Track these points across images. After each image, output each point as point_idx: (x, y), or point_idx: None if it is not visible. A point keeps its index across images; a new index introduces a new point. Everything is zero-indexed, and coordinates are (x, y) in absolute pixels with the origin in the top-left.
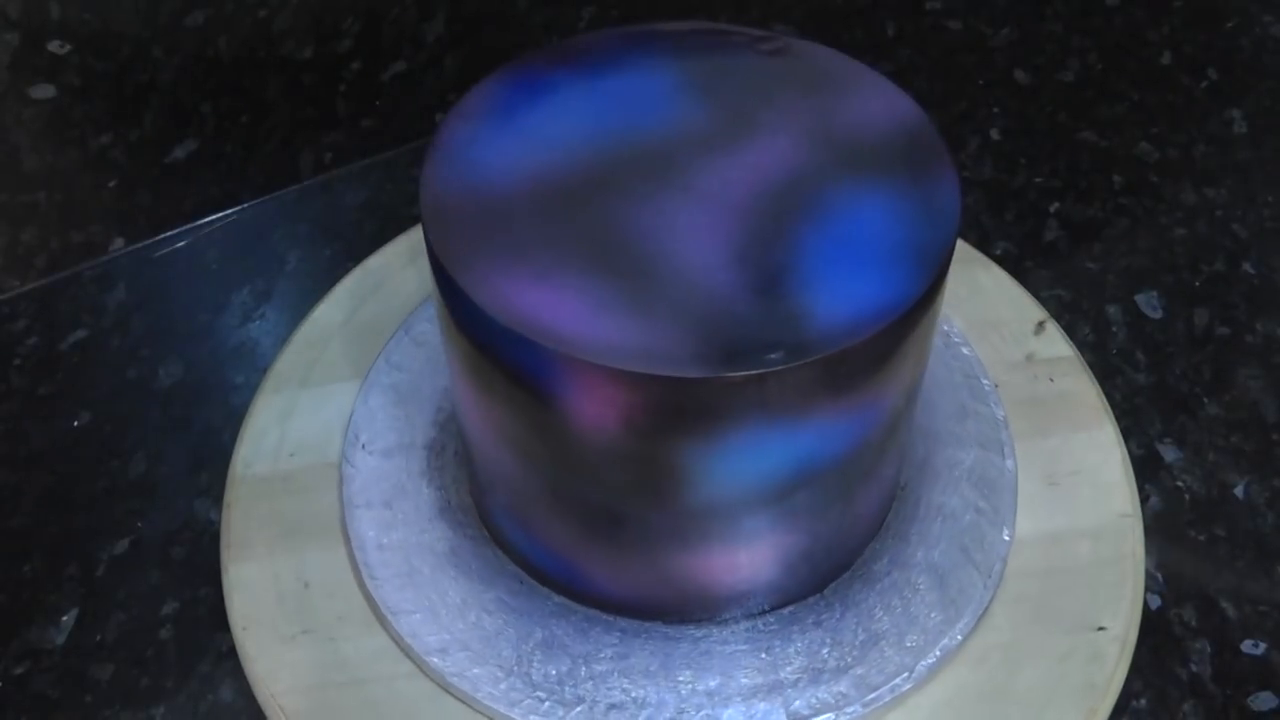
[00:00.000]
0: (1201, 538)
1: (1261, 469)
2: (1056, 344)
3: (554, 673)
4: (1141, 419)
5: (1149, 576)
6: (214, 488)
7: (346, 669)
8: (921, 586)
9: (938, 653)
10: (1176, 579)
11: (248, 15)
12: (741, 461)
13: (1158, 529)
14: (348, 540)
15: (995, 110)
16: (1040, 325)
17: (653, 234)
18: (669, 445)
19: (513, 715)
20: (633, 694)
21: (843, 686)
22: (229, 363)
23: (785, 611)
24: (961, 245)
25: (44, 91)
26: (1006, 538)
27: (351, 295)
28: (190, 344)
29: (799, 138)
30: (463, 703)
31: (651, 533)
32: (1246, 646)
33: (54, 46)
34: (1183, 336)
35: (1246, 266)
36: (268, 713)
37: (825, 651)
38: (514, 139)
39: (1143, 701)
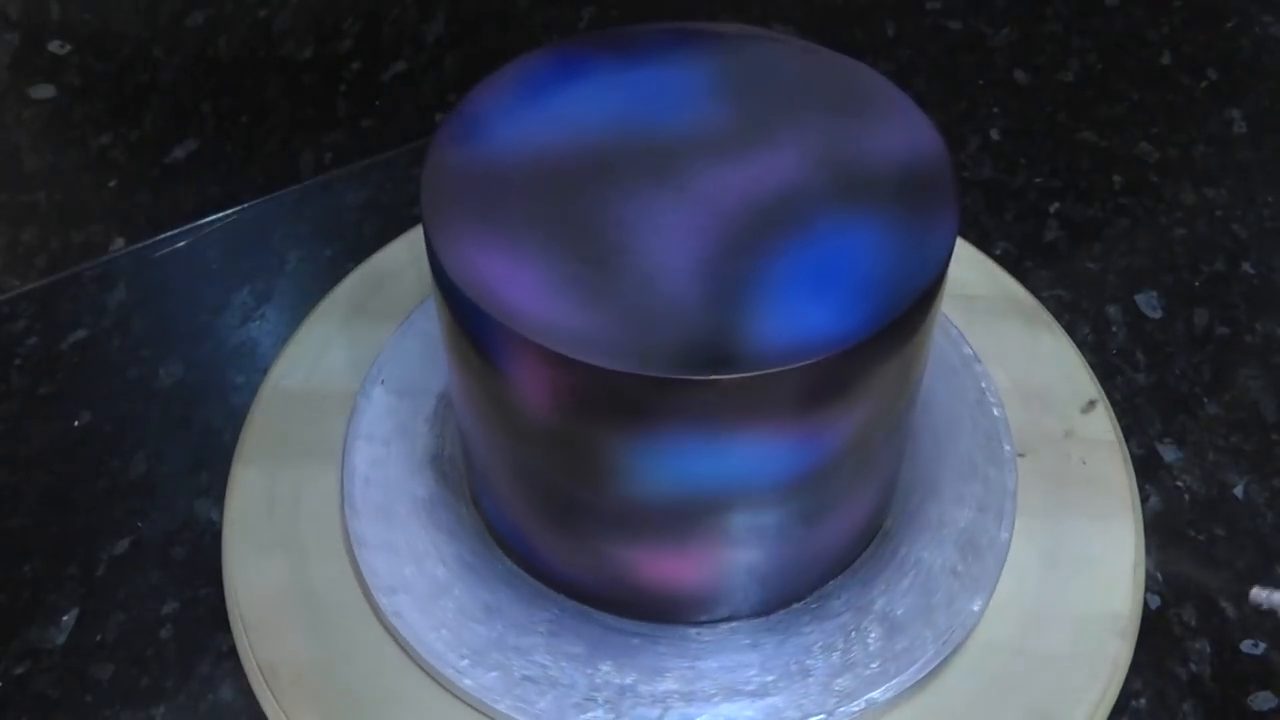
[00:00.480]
0: (1201, 538)
1: (1261, 469)
2: (1102, 427)
3: (484, 635)
4: (1141, 419)
5: (1149, 576)
6: (214, 488)
7: (305, 589)
8: (870, 635)
9: (862, 704)
10: (1176, 579)
11: (248, 15)
12: (663, 463)
13: (1158, 529)
14: (341, 468)
15: (995, 110)
16: (1091, 404)
17: (634, 228)
18: (594, 433)
19: (436, 666)
20: (550, 671)
21: (752, 711)
22: (229, 363)
23: (724, 627)
24: (1031, 302)
25: (44, 91)
26: (976, 608)
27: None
28: (190, 344)
29: (809, 157)
30: (398, 645)
31: (587, 518)
32: (1246, 646)
33: (54, 46)
34: (1183, 336)
35: (1246, 266)
36: (230, 618)
37: (750, 674)
38: (532, 116)
39: (1143, 701)
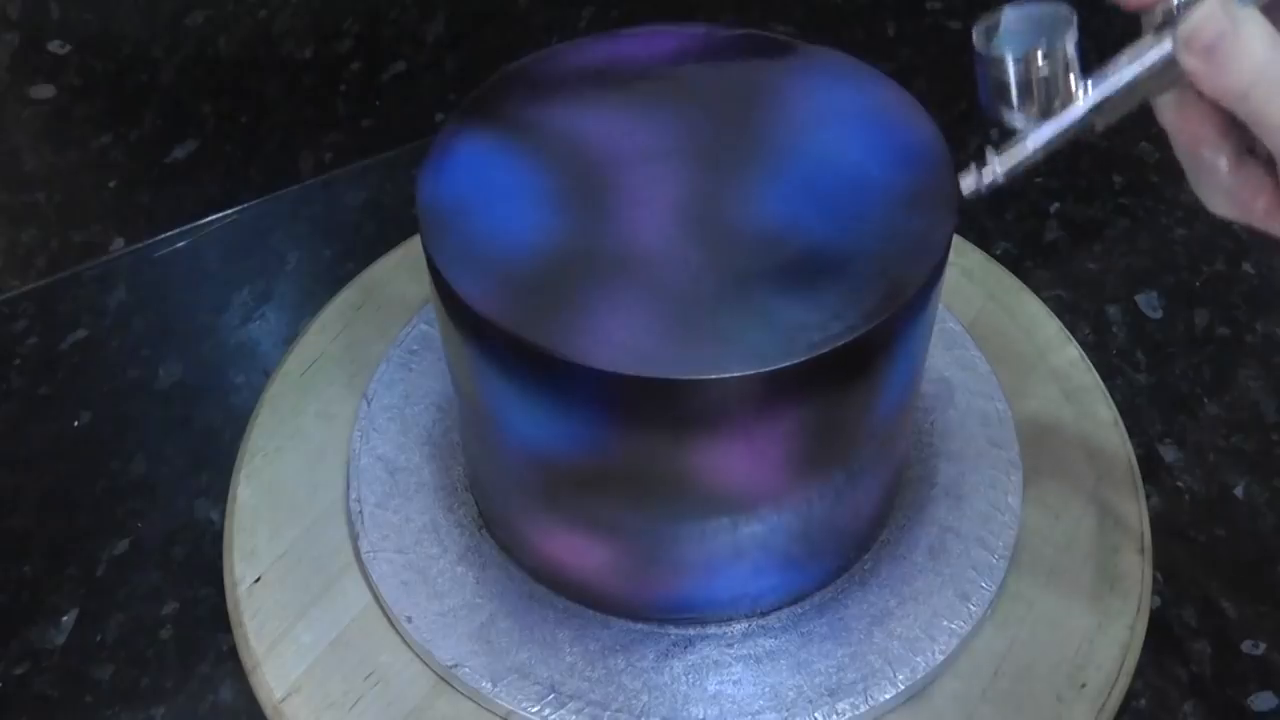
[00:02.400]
0: (1201, 538)
1: (1261, 469)
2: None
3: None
4: (1141, 419)
5: (1149, 577)
6: (214, 488)
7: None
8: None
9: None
10: (1176, 579)
11: (248, 15)
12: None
13: (1158, 529)
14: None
15: None
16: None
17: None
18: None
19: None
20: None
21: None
22: (229, 363)
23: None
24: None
25: (44, 91)
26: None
27: None
28: (190, 344)
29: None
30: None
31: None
32: (1246, 646)
33: (54, 46)
34: (1183, 336)
35: (1246, 266)
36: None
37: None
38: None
39: (1143, 701)
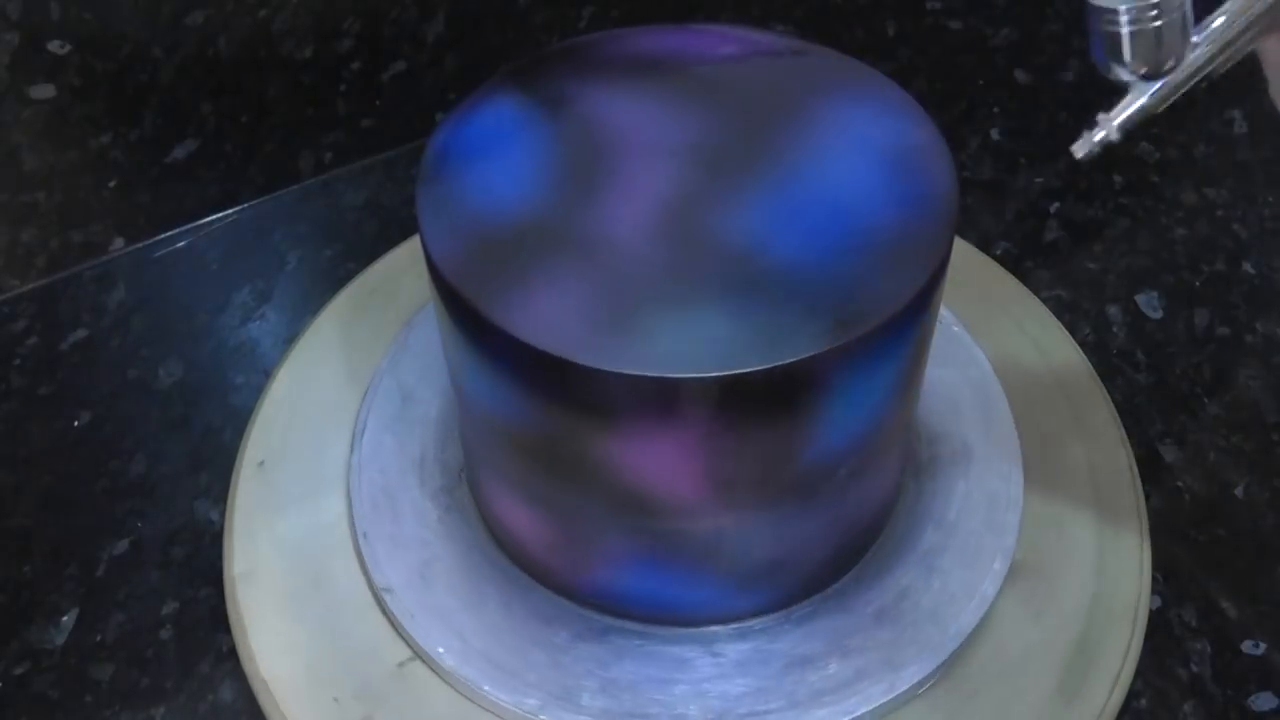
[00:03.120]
0: (1201, 538)
1: (1261, 469)
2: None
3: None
4: (1141, 419)
5: (1149, 577)
6: (214, 488)
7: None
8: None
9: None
10: (1176, 579)
11: (248, 15)
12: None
13: (1158, 529)
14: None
15: (995, 110)
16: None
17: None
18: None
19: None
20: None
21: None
22: (229, 363)
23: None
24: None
25: (44, 91)
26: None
27: None
28: (190, 344)
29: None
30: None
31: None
32: (1246, 646)
33: (54, 46)
34: (1183, 336)
35: (1246, 266)
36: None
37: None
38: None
39: (1143, 701)
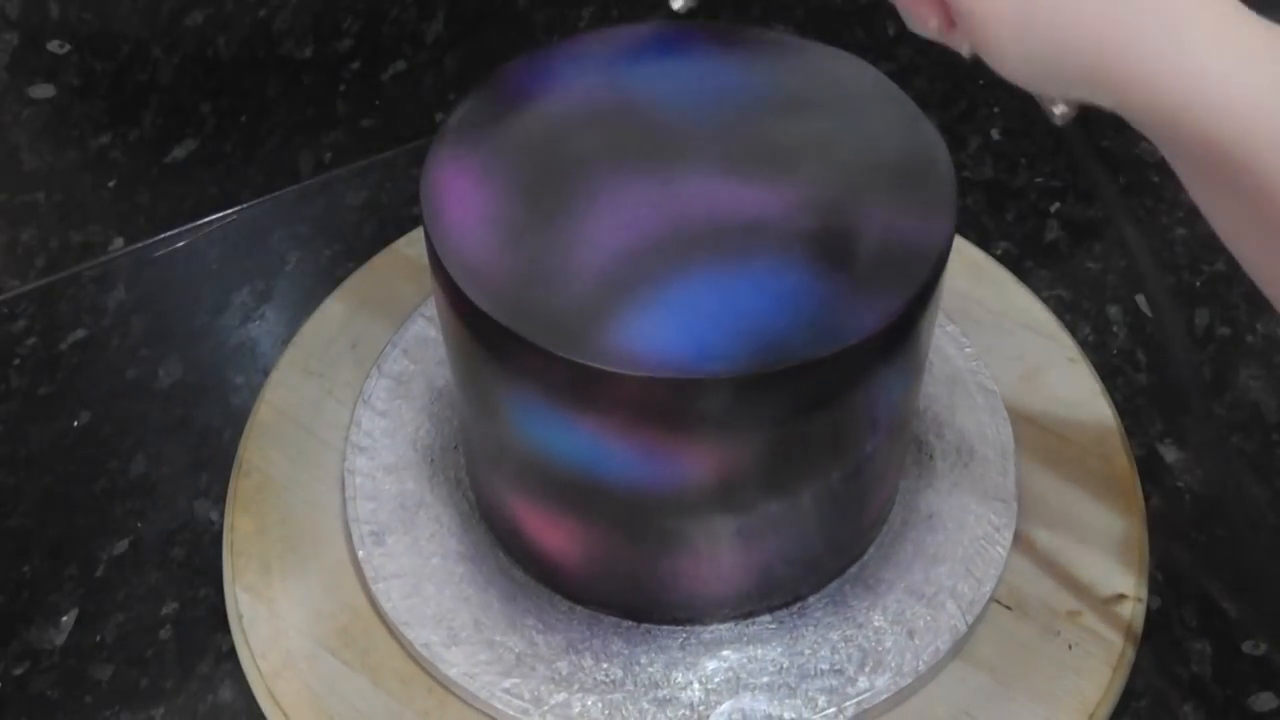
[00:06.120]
0: (1202, 538)
1: (1261, 469)
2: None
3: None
4: (1141, 419)
5: (1149, 576)
6: (214, 488)
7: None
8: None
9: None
10: (1176, 579)
11: (248, 15)
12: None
13: (1158, 529)
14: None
15: (995, 110)
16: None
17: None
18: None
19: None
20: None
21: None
22: (229, 363)
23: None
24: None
25: (44, 91)
26: None
27: None
28: (190, 344)
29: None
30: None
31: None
32: (1247, 646)
33: (54, 46)
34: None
35: None
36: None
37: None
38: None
39: (1143, 702)
